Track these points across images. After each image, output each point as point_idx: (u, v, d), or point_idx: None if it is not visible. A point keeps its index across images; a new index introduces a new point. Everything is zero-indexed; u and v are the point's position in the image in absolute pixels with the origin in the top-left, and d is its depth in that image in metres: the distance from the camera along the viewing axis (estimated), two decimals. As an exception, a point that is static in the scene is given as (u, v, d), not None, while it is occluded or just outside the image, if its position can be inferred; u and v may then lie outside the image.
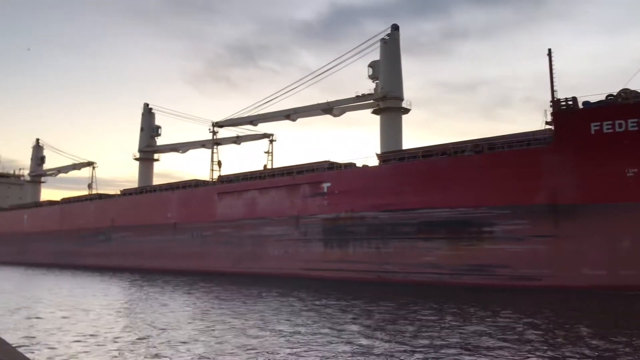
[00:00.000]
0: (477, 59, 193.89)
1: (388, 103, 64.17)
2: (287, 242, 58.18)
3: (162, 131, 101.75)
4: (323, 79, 71.90)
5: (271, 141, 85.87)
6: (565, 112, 42.15)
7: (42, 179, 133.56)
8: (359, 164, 58.08)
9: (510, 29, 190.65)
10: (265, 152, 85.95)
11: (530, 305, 33.47)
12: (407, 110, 65.34)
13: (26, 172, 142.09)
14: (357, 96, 66.04)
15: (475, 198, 45.36)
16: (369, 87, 66.52)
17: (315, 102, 70.34)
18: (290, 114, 72.21)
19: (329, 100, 68.22)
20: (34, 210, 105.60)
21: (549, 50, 43.93)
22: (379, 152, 59.48)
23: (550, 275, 41.45)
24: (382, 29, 68.31)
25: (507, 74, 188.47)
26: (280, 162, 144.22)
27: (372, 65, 66.38)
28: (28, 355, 17.20)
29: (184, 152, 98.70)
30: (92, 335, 23.06)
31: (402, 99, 64.99)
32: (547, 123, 44.27)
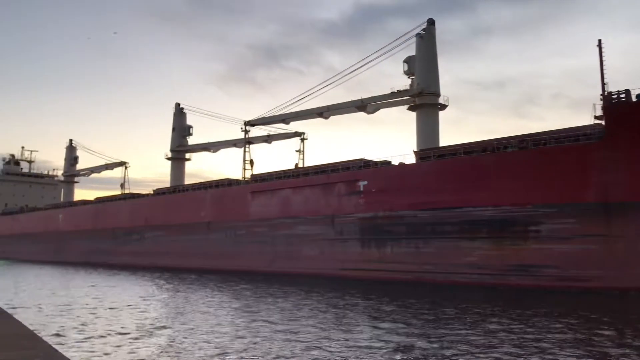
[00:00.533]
0: (504, 56, 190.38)
1: (424, 99, 62.69)
2: (323, 242, 57.26)
3: (193, 131, 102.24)
4: (353, 77, 70.48)
5: (302, 140, 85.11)
6: (617, 106, 40.18)
7: (75, 179, 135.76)
8: (394, 162, 56.94)
9: (536, 25, 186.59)
10: (297, 151, 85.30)
11: (577, 307, 31.85)
12: (444, 107, 63.78)
13: (60, 172, 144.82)
14: (393, 92, 64.73)
15: (521, 196, 43.66)
16: (402, 84, 65.38)
17: (346, 100, 69.37)
18: (323, 112, 71.23)
19: (362, 97, 67.03)
20: (68, 210, 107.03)
21: (599, 41, 42.01)
22: (415, 149, 58.09)
23: (601, 276, 39.55)
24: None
25: (534, 71, 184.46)
26: (311, 161, 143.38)
27: (408, 60, 65.00)
28: (64, 352, 17.24)
29: (215, 151, 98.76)
30: (125, 332, 23.31)
31: (438, 95, 63.46)
32: (596, 117, 42.36)
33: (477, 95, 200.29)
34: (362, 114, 69.07)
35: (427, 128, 62.84)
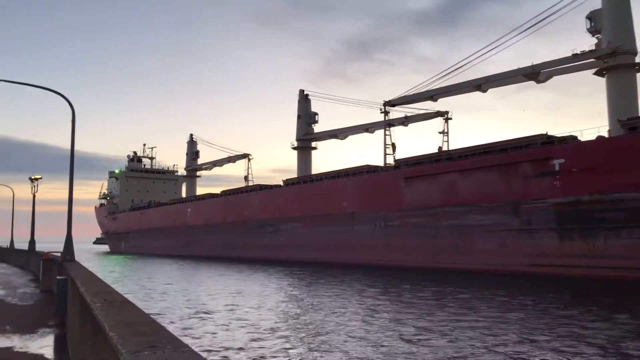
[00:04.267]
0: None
1: (618, 59, 51.79)
2: (504, 233, 48.59)
3: (318, 118, 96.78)
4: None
5: (446, 120, 76.43)
6: None
7: (197, 173, 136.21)
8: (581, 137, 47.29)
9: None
10: (440, 132, 76.88)
11: None
12: (643, 67, 52.53)
13: (180, 167, 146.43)
14: (574, 55, 54.32)
15: None
16: (582, 45, 54.95)
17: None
18: (482, 84, 62.14)
19: (534, 64, 57.17)
20: (197, 204, 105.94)
21: None
22: (619, 119, 47.63)
23: None
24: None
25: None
26: (455, 144, 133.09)
27: (592, 16, 54.37)
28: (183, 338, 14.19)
29: (343, 138, 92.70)
30: (256, 338, 20.25)
31: (636, 53, 52.31)
32: None
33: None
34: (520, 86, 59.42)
35: (623, 94, 51.92)
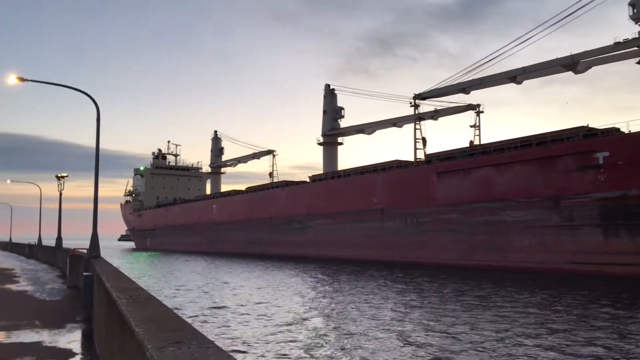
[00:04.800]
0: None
1: (664, 47, 49.25)
2: (543, 229, 46.56)
3: (344, 113, 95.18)
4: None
5: (478, 113, 74.26)
6: None
7: (222, 169, 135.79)
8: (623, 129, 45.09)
9: None
10: (471, 126, 74.74)
11: None
12: (691, 56, 49.84)
13: (204, 164, 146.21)
14: (617, 43, 51.82)
15: None
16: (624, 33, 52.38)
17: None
18: (517, 75, 59.89)
19: (573, 53, 54.83)
20: (222, 200, 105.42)
21: None
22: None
23: None
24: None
25: None
26: (487, 138, 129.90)
27: (635, 2, 51.66)
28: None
29: (370, 133, 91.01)
30: (275, 332, 20.35)
31: (683, 41, 49.66)
32: None
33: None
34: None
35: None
